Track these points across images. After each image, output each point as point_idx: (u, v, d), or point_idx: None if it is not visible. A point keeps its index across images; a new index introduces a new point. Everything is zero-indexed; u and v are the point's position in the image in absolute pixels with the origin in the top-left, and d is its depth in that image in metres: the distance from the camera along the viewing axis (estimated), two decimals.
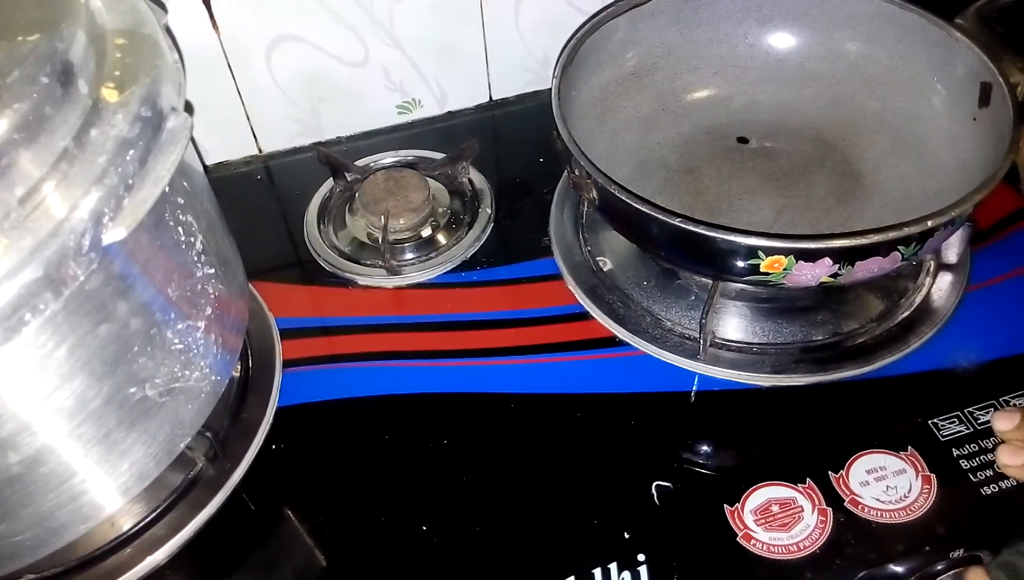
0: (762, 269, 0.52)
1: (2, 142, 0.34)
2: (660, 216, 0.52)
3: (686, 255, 0.56)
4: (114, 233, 0.37)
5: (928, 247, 0.53)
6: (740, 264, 0.52)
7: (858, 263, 0.51)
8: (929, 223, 0.50)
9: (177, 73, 0.43)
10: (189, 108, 0.43)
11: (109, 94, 0.39)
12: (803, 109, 0.71)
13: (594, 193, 0.57)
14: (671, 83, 0.72)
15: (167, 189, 0.40)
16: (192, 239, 0.46)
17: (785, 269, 0.51)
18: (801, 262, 0.51)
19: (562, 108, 0.60)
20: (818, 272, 0.52)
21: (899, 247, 0.51)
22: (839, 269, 0.51)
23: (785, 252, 0.51)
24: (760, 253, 0.51)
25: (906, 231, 0.50)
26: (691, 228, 0.51)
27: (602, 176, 0.55)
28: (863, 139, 0.68)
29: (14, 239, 0.34)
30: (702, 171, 0.68)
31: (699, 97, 0.73)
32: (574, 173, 0.59)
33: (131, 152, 0.38)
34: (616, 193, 0.54)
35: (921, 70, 0.65)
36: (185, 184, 0.45)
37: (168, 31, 0.45)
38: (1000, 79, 0.58)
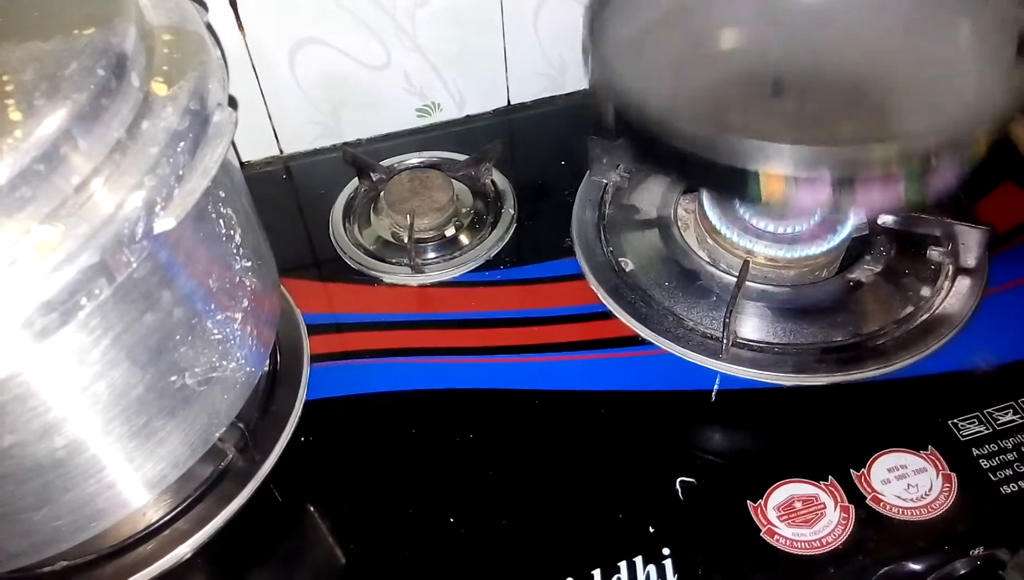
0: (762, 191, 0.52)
1: (61, 132, 0.35)
2: (668, 120, 0.53)
3: (694, 171, 0.57)
4: (164, 222, 0.38)
5: (934, 183, 0.52)
6: (746, 178, 0.52)
7: (859, 189, 0.51)
8: (931, 140, 0.50)
9: (221, 69, 0.44)
10: (233, 103, 0.44)
11: (158, 88, 0.40)
12: (840, 55, 0.69)
13: (611, 118, 0.59)
14: (707, 27, 0.71)
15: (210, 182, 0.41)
16: (232, 232, 0.47)
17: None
18: (801, 186, 0.51)
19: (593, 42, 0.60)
20: (819, 196, 0.52)
21: (901, 174, 0.51)
22: (839, 195, 0.51)
23: (783, 163, 0.51)
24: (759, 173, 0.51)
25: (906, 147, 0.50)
26: (698, 133, 0.52)
27: (618, 84, 0.56)
28: (899, 89, 0.66)
29: (71, 226, 0.35)
30: (729, 114, 0.67)
31: (737, 41, 0.72)
32: (596, 92, 0.59)
33: (181, 144, 0.39)
34: (629, 107, 0.55)
35: (959, 17, 0.64)
36: (226, 178, 0.46)
37: (210, 28, 0.46)
38: None
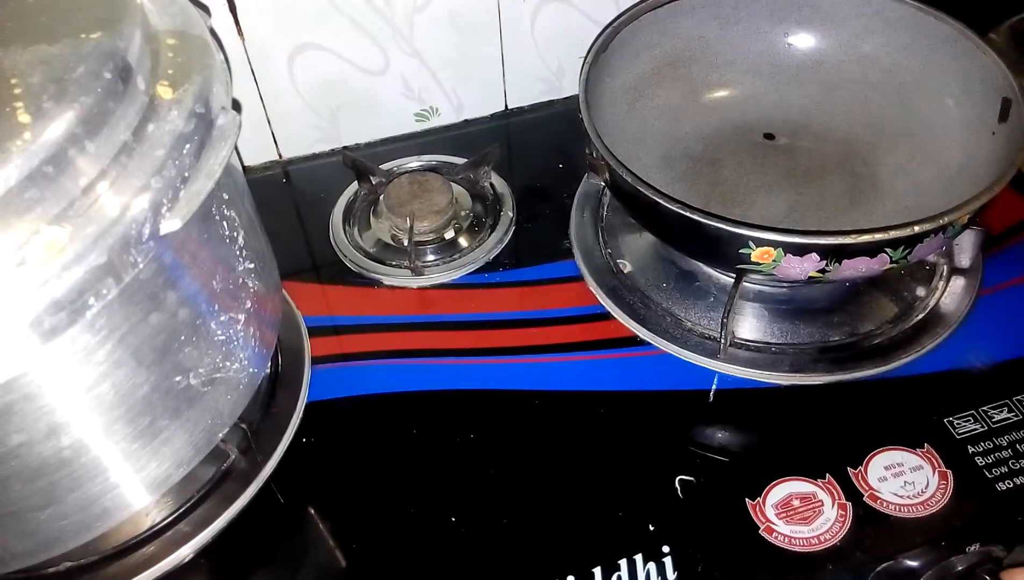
0: (753, 259, 0.54)
1: (69, 134, 0.35)
2: (663, 202, 0.54)
3: (687, 241, 0.59)
4: (170, 223, 0.38)
5: (918, 252, 0.54)
6: (733, 253, 0.54)
7: (845, 261, 0.53)
8: (916, 229, 0.51)
9: (225, 72, 0.45)
10: (236, 106, 0.45)
11: (164, 91, 0.41)
12: (832, 111, 0.72)
13: (607, 175, 0.60)
14: (706, 76, 0.74)
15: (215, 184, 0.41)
16: (235, 234, 0.47)
17: (774, 261, 0.53)
18: (789, 256, 0.53)
19: (590, 93, 0.62)
20: (806, 266, 0.53)
21: (886, 250, 0.53)
22: (826, 265, 0.53)
23: (773, 244, 0.52)
24: (751, 243, 0.53)
25: (892, 234, 0.51)
26: (688, 214, 0.53)
27: (613, 159, 0.57)
28: (886, 144, 0.70)
29: (79, 227, 0.35)
30: (724, 163, 0.70)
31: (732, 91, 0.74)
32: (591, 155, 0.61)
33: (186, 146, 0.39)
34: (624, 176, 0.56)
35: (949, 81, 0.66)
36: (229, 181, 0.47)
37: (213, 33, 0.47)
38: (1020, 96, 0.59)
